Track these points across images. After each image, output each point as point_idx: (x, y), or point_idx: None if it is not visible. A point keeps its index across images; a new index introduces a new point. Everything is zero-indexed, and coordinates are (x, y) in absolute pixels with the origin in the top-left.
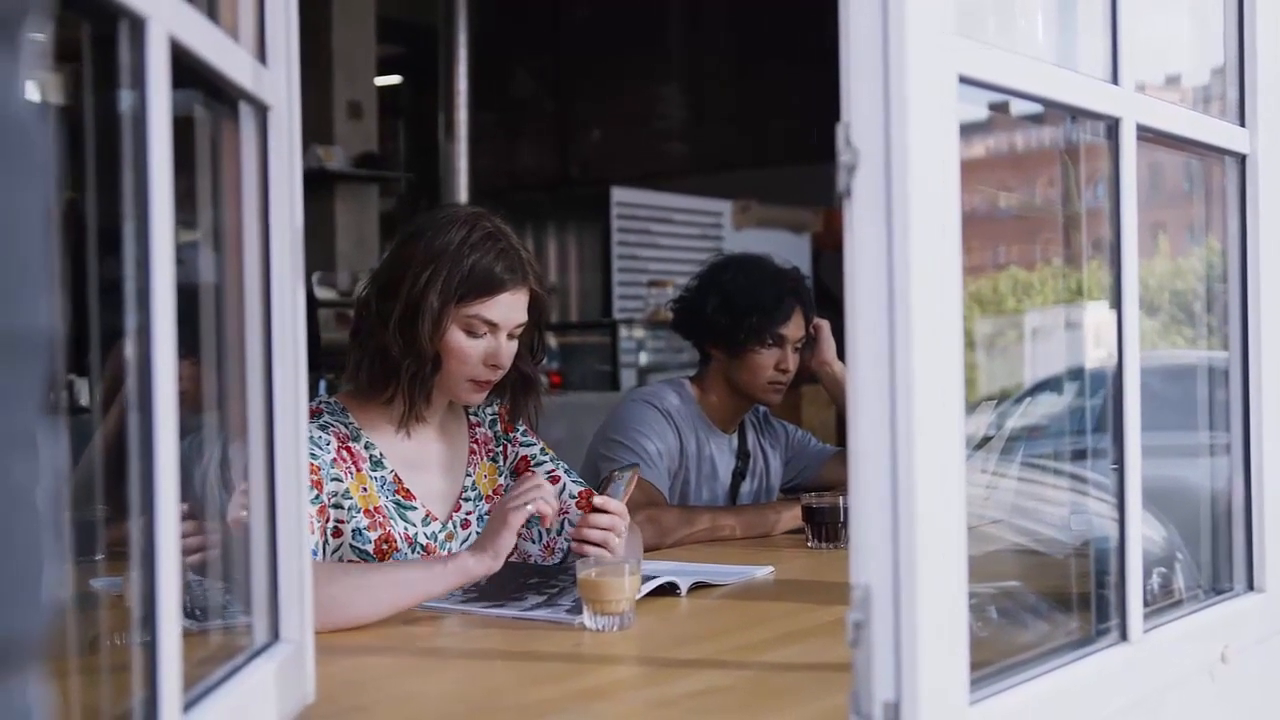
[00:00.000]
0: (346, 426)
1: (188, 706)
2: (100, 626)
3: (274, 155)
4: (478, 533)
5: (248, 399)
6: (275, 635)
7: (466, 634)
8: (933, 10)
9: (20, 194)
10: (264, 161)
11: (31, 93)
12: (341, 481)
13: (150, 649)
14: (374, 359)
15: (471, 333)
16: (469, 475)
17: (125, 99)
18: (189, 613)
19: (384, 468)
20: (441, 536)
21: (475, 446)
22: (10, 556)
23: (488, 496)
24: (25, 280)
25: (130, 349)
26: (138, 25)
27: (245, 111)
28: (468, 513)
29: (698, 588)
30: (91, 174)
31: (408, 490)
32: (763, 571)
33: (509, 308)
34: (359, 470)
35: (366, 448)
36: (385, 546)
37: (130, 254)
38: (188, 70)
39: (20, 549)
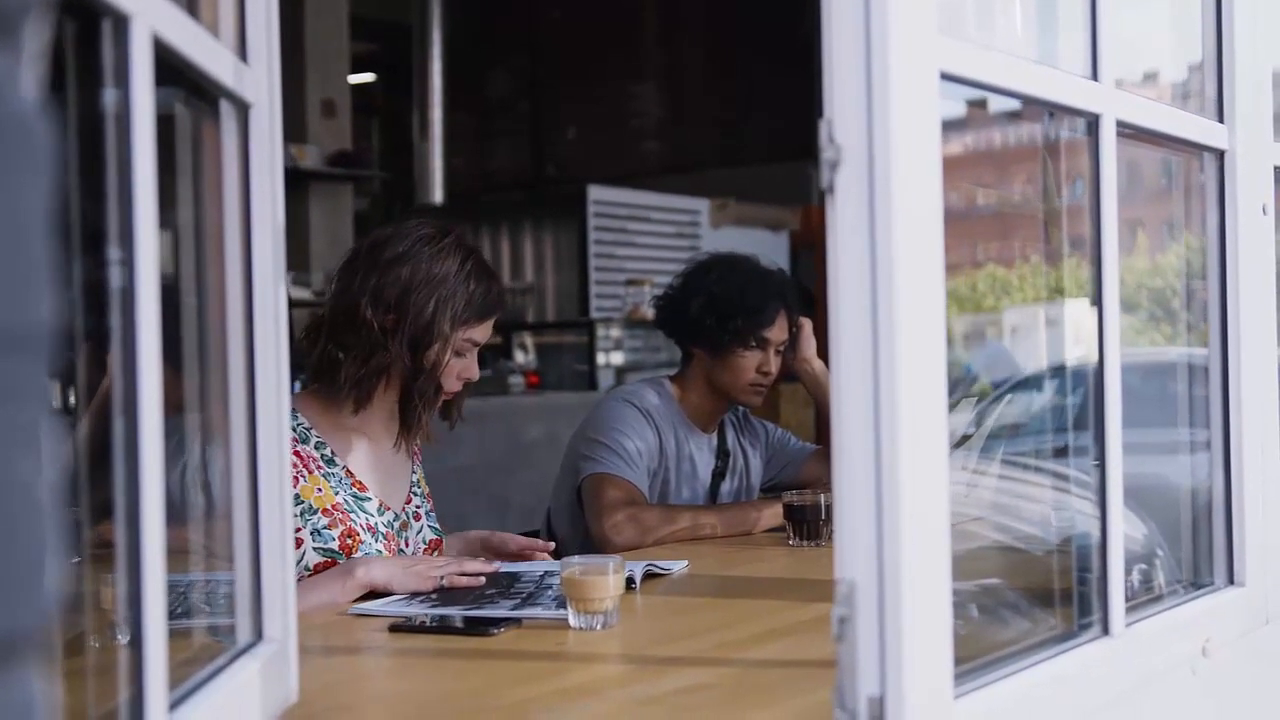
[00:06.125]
0: (294, 429)
1: (173, 706)
2: (78, 627)
3: (255, 154)
4: (429, 525)
5: (229, 400)
6: (259, 635)
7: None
8: (915, 7)
9: (24, 191)
10: (245, 160)
11: (32, 90)
12: (292, 487)
13: (136, 649)
14: (374, 376)
15: (458, 353)
16: (414, 473)
17: (108, 96)
18: (170, 613)
19: (336, 465)
20: (397, 526)
21: (416, 449)
22: (15, 551)
23: (427, 495)
24: (29, 277)
25: (114, 350)
26: (121, 23)
27: (226, 110)
28: (417, 506)
29: (650, 577)
30: (72, 172)
31: (360, 483)
32: (679, 566)
33: (491, 328)
34: (311, 472)
35: (317, 447)
36: (349, 541)
37: (112, 254)
38: (169, 68)
39: (25, 543)
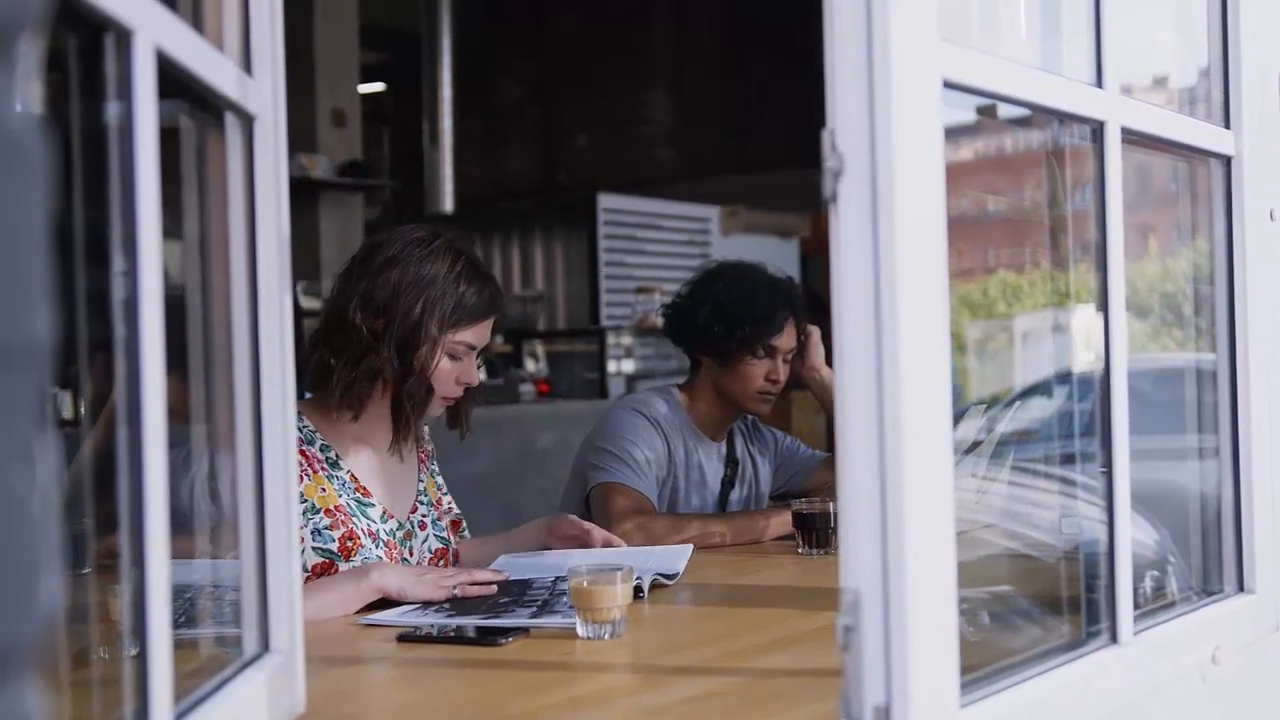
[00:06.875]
0: (300, 431)
1: (178, 717)
2: (86, 639)
3: (260, 165)
4: (435, 535)
5: (236, 411)
6: (265, 646)
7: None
8: (917, 15)
9: (18, 206)
10: (250, 172)
11: (28, 105)
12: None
13: (141, 661)
14: (365, 380)
15: (453, 356)
16: (421, 481)
17: (111, 109)
18: (176, 623)
19: (341, 469)
20: (400, 535)
21: (423, 456)
22: (10, 565)
23: (435, 503)
24: (23, 291)
25: (118, 361)
26: (124, 37)
27: (231, 122)
28: (423, 515)
29: (657, 587)
30: (77, 184)
31: (365, 488)
32: (685, 553)
33: (488, 332)
34: (316, 472)
35: (322, 450)
36: (350, 544)
37: (117, 265)
38: (173, 80)
39: (19, 557)
